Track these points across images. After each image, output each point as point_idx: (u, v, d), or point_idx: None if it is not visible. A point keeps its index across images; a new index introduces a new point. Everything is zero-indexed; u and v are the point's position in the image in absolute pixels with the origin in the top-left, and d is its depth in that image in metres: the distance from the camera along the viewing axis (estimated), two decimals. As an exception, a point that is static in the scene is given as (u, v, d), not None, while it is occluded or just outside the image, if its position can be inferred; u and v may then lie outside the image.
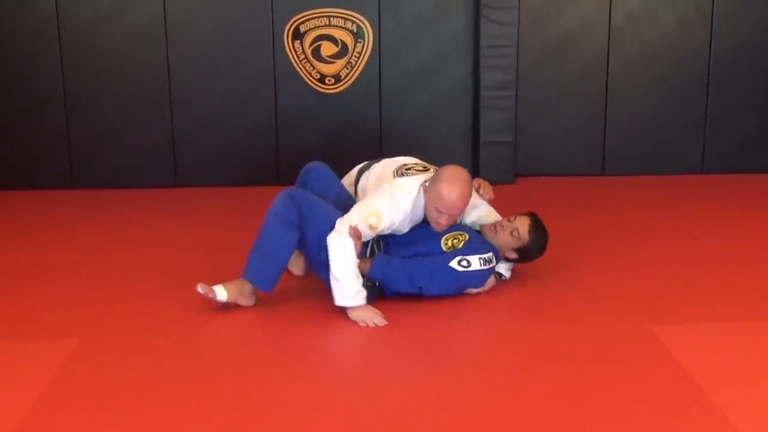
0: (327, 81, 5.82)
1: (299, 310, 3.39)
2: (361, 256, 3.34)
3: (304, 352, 3.02)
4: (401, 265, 3.34)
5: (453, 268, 3.35)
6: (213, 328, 3.23)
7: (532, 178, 6.02)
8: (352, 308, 3.26)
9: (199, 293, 3.33)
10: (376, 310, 3.27)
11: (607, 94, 6.02)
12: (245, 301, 3.40)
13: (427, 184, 3.35)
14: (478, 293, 3.48)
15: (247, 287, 3.39)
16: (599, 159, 6.12)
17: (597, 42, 5.94)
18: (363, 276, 3.30)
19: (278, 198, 3.33)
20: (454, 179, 3.27)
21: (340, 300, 3.27)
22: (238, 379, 2.75)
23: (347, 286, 3.23)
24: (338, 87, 5.84)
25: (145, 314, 3.36)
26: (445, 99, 5.92)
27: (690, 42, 5.97)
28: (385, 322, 3.22)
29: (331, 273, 3.25)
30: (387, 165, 3.70)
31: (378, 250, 3.43)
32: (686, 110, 6.07)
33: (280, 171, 5.83)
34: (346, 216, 3.30)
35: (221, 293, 3.37)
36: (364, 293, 3.27)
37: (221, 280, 3.39)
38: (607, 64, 5.98)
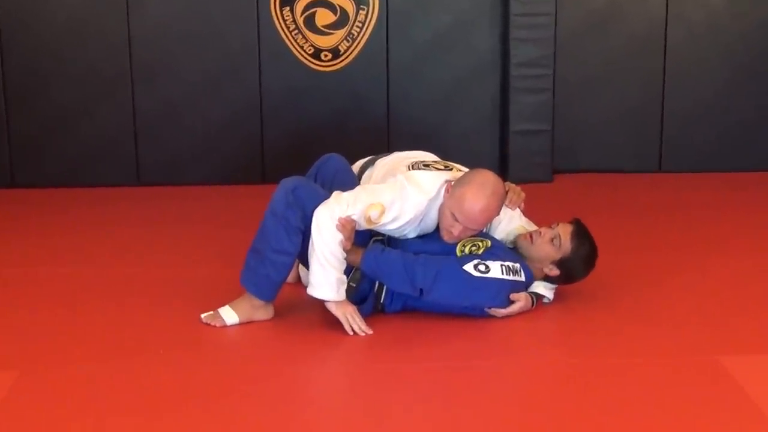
0: (323, 56, 5.83)
1: (291, 326, 3.42)
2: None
3: (298, 390, 3.01)
4: (402, 259, 3.35)
5: (467, 272, 3.35)
6: (179, 355, 3.21)
7: (573, 175, 6.02)
8: (336, 303, 3.31)
9: (204, 323, 3.41)
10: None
11: (664, 72, 6.02)
12: (261, 316, 3.46)
13: (452, 183, 3.35)
14: (507, 315, 3.46)
15: (258, 300, 3.43)
16: (655, 152, 6.12)
17: (652, 8, 5.93)
18: (354, 268, 3.37)
19: (278, 192, 3.37)
20: (484, 187, 3.28)
21: (323, 291, 3.29)
22: (205, 419, 2.74)
23: (333, 270, 3.25)
24: (336, 63, 5.85)
25: (98, 339, 3.35)
26: (466, 78, 5.92)
27: (762, 9, 5.95)
28: (370, 331, 3.31)
29: (312, 254, 3.27)
30: (398, 160, 3.70)
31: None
32: (760, 93, 6.06)
33: (265, 166, 5.84)
34: (345, 194, 3.33)
35: (230, 316, 3.42)
36: (345, 286, 3.33)
37: (192, 298, 3.37)
38: (665, 36, 5.97)
